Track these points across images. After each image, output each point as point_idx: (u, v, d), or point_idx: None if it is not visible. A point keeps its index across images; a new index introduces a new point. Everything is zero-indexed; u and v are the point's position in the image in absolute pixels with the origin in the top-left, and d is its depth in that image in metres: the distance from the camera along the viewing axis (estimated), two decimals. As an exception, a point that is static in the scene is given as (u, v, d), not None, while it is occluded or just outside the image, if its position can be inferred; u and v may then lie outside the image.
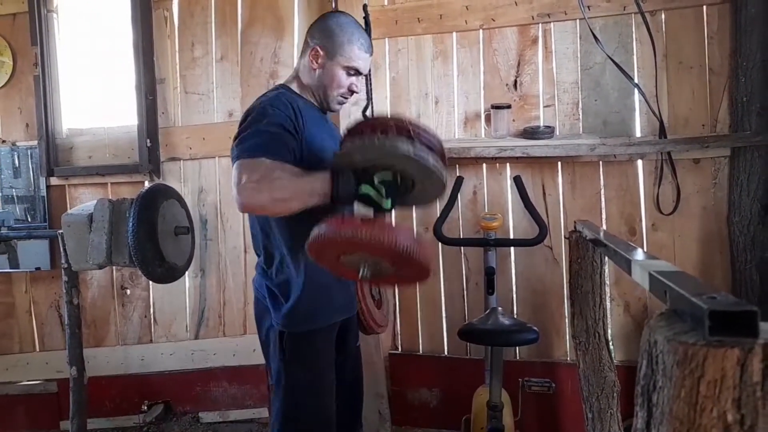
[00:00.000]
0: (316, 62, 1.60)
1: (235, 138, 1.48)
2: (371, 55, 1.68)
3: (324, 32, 1.61)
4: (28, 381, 3.03)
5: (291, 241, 1.54)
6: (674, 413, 0.55)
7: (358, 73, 1.64)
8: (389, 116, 1.42)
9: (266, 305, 1.62)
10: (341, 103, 1.68)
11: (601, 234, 1.36)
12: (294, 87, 1.67)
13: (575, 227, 1.78)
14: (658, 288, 0.68)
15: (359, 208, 1.37)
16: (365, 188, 1.33)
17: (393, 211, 1.36)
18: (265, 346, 1.69)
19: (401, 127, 1.29)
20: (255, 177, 1.34)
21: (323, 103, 1.67)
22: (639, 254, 0.91)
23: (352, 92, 1.66)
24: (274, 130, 1.43)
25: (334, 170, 1.37)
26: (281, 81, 2.76)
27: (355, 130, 1.37)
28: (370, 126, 1.34)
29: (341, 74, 1.61)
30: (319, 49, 1.59)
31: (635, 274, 0.82)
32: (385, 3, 2.76)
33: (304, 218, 1.38)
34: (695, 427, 0.54)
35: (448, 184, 1.47)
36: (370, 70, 2.45)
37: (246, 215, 2.86)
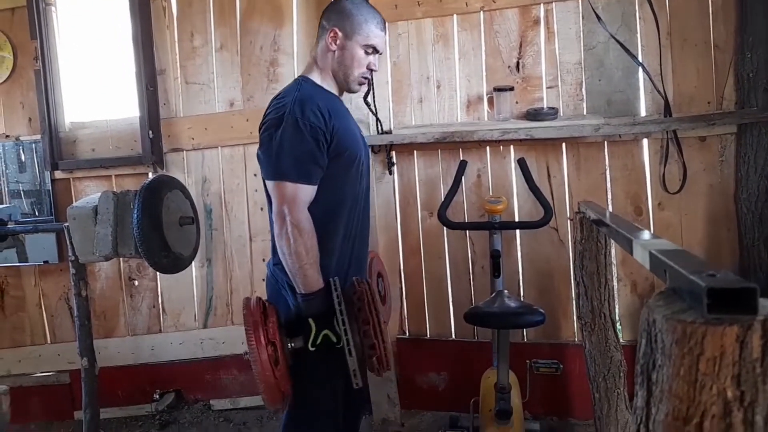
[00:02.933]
0: (335, 43, 1.65)
1: (264, 129, 1.57)
2: (386, 33, 1.72)
3: (340, 14, 1.65)
4: (41, 372, 3.07)
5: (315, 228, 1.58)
6: (674, 391, 0.54)
7: (375, 51, 1.68)
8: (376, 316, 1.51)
9: (282, 287, 1.66)
10: (361, 84, 1.73)
11: (604, 214, 1.35)
12: (315, 77, 1.70)
13: (579, 208, 1.77)
14: (658, 267, 0.68)
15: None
16: (315, 323, 1.49)
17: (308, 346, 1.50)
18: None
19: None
20: (300, 228, 1.48)
21: (343, 84, 1.71)
22: (640, 233, 0.90)
23: (371, 71, 1.70)
24: (311, 148, 1.52)
25: (327, 286, 1.51)
26: (282, 69, 2.83)
27: (351, 299, 1.50)
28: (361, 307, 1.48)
29: (360, 53, 1.65)
30: (337, 30, 1.64)
31: (636, 253, 0.81)
32: (385, -13, 2.72)
33: (329, 214, 1.58)
34: (695, 404, 0.54)
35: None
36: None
37: (251, 204, 2.90)
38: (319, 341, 1.47)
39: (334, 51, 1.65)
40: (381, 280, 2.13)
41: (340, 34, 1.64)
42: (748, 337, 0.52)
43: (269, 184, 1.55)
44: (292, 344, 1.50)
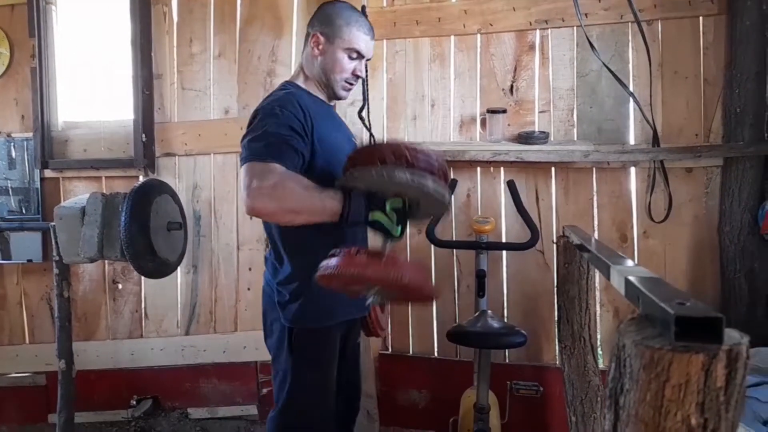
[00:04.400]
0: (318, 48, 1.62)
1: (244, 138, 1.49)
2: (373, 38, 1.68)
3: (323, 18, 1.64)
4: (17, 373, 3.03)
5: (297, 240, 1.55)
6: (640, 416, 0.55)
7: (360, 56, 1.64)
8: (387, 143, 1.44)
9: (274, 299, 1.62)
10: (347, 90, 1.69)
11: (587, 239, 1.37)
12: (300, 82, 1.68)
13: (563, 232, 1.79)
14: (632, 293, 0.69)
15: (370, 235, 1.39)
16: (377, 215, 1.35)
17: (402, 236, 1.38)
18: (268, 337, 1.69)
19: (399, 155, 1.30)
20: (269, 183, 1.33)
21: (329, 90, 1.67)
22: (619, 260, 0.92)
23: (356, 77, 1.66)
24: (285, 132, 1.43)
25: (346, 191, 1.37)
26: (279, 79, 2.85)
27: (356, 159, 1.37)
28: (369, 154, 1.34)
29: (343, 57, 1.62)
30: (319, 35, 1.61)
31: (613, 279, 0.83)
32: (384, 5, 2.76)
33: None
34: (660, 430, 0.55)
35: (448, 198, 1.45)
36: (367, 69, 2.46)
37: (240, 213, 2.90)
38: (396, 218, 1.34)
39: (318, 56, 1.62)
40: None
41: (322, 38, 1.61)
42: (713, 366, 0.53)
43: (240, 173, 1.40)
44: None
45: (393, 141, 1.38)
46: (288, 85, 1.66)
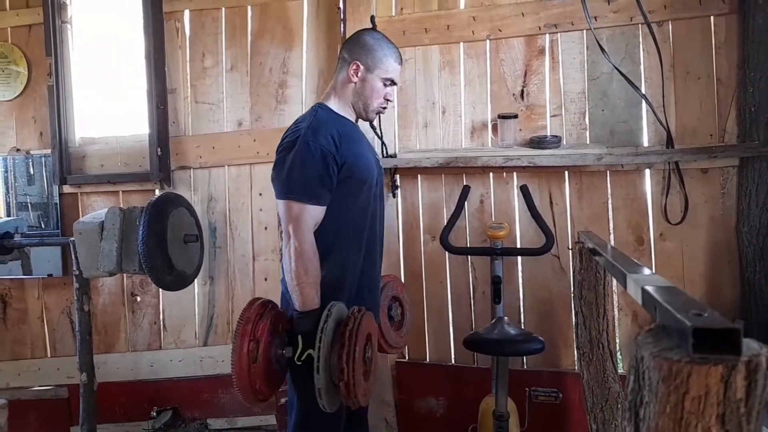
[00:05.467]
0: (356, 76, 1.75)
1: (278, 158, 1.66)
2: (401, 65, 1.85)
3: (362, 48, 1.77)
4: (40, 386, 3.07)
5: (322, 245, 1.65)
6: (660, 428, 0.55)
7: (393, 83, 1.80)
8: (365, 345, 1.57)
9: (289, 301, 1.69)
10: (379, 113, 1.85)
11: (602, 246, 1.36)
12: (332, 104, 1.80)
13: (578, 238, 1.78)
14: (649, 303, 0.69)
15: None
16: (308, 350, 1.54)
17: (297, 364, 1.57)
18: None
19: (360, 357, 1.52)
20: (302, 238, 1.57)
21: (362, 113, 1.82)
22: (635, 268, 0.91)
23: (387, 101, 1.82)
24: (318, 171, 1.60)
25: (322, 306, 1.59)
26: (290, 90, 2.88)
27: (340, 333, 1.54)
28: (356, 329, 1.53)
29: (379, 85, 1.77)
30: (359, 63, 1.74)
31: (630, 288, 0.82)
32: (393, 14, 2.78)
33: (338, 232, 1.67)
34: (680, 442, 0.55)
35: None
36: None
37: (255, 223, 2.93)
38: (303, 358, 1.54)
39: (355, 83, 1.76)
40: (397, 304, 2.21)
41: (361, 67, 1.74)
42: (732, 378, 0.53)
43: (279, 203, 1.64)
44: (284, 352, 1.58)
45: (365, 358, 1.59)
46: (319, 108, 1.78)
